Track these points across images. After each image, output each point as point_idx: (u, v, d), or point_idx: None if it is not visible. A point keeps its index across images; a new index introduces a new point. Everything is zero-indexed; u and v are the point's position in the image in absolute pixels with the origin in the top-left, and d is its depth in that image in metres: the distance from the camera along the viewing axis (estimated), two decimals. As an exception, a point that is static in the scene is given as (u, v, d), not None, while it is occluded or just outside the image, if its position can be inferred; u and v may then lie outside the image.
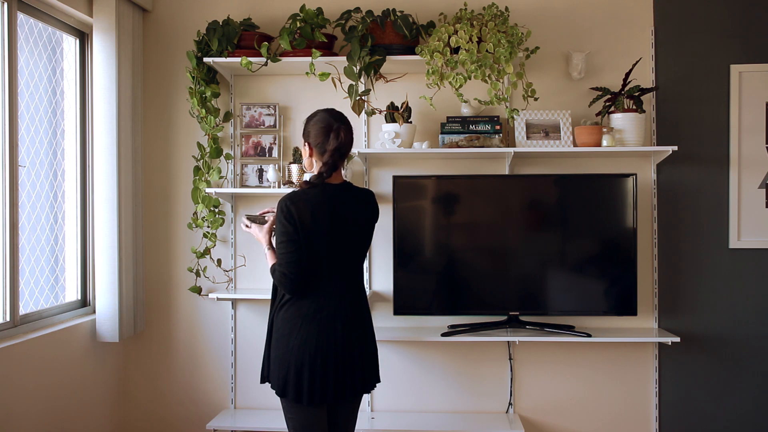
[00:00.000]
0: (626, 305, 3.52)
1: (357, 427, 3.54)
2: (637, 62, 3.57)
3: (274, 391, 2.60)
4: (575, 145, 3.57)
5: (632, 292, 3.51)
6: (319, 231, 2.54)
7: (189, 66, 3.69)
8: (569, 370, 3.74)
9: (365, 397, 3.77)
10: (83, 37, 3.65)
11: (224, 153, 3.79)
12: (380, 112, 3.59)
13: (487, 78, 3.36)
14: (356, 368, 2.61)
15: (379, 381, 2.76)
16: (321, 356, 2.53)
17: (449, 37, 3.37)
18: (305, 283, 2.55)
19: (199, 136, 3.80)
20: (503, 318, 3.60)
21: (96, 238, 3.51)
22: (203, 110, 3.68)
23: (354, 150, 3.52)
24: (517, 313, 3.57)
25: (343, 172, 2.75)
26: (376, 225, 2.76)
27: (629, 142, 3.52)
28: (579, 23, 3.72)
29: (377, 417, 3.70)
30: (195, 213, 3.77)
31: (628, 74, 3.51)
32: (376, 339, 3.68)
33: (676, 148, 3.45)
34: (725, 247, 3.67)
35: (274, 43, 3.65)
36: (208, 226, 3.76)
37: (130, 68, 3.60)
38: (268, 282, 3.81)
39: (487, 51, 3.34)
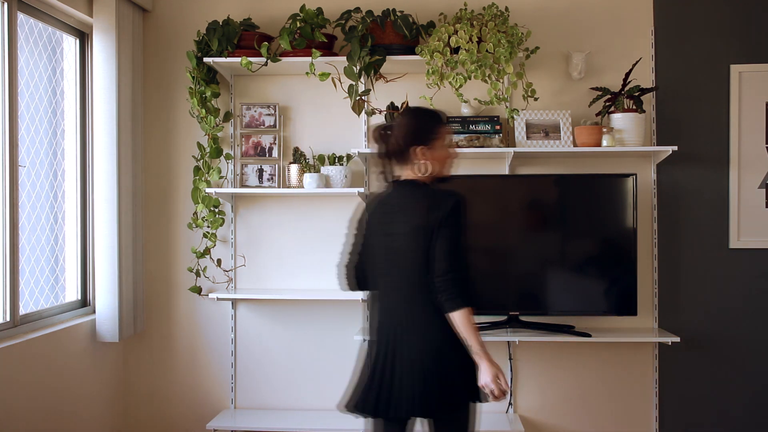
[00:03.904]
0: (626, 305, 3.52)
1: (357, 427, 3.54)
2: (637, 62, 3.57)
3: None
4: (575, 145, 3.57)
5: (632, 292, 3.50)
6: (366, 231, 2.61)
7: (189, 66, 3.69)
8: (569, 370, 3.74)
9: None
10: (83, 37, 3.65)
11: (224, 153, 3.79)
12: (380, 112, 3.59)
13: (487, 78, 3.36)
14: (394, 388, 2.45)
15: (436, 411, 2.45)
16: (363, 370, 2.56)
17: (449, 37, 3.37)
18: (351, 279, 2.66)
19: (199, 136, 3.80)
20: (503, 318, 3.60)
21: (96, 238, 3.51)
22: (203, 110, 3.68)
23: (354, 150, 3.54)
24: (517, 313, 3.57)
25: (409, 171, 2.55)
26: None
27: (629, 142, 3.52)
28: (579, 23, 3.72)
29: (377, 417, 3.70)
30: (195, 213, 3.77)
31: (628, 74, 3.51)
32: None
33: (676, 148, 3.45)
34: (725, 247, 3.67)
35: (274, 43, 3.65)
36: (208, 226, 3.76)
37: (130, 68, 3.60)
38: (267, 282, 3.82)
39: (487, 51, 3.34)
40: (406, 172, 2.55)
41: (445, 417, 2.47)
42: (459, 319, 2.38)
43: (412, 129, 2.54)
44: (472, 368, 2.44)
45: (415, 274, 2.46)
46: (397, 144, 2.53)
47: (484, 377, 2.39)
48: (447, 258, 2.39)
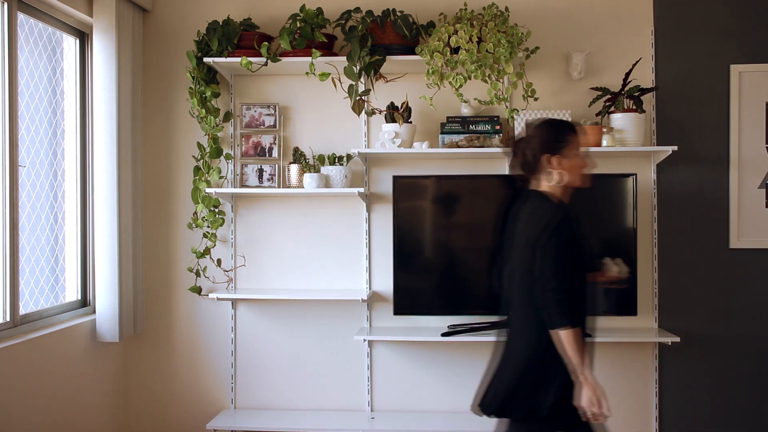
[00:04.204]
0: (626, 305, 3.52)
1: (357, 427, 3.56)
2: (637, 62, 3.57)
3: None
4: (575, 145, 3.57)
5: (632, 292, 3.51)
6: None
7: (189, 66, 3.69)
8: (569, 370, 3.73)
9: (365, 397, 3.78)
10: (83, 37, 3.65)
11: (224, 153, 3.79)
12: (380, 112, 3.59)
13: (487, 78, 3.36)
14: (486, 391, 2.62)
15: (495, 412, 2.58)
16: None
17: (449, 37, 3.37)
18: (495, 285, 2.69)
19: (199, 136, 3.80)
20: (503, 318, 3.59)
21: (96, 238, 3.51)
22: (203, 110, 3.68)
23: (354, 150, 3.54)
24: (517, 313, 3.56)
25: (539, 181, 2.62)
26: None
27: (629, 142, 3.52)
28: (579, 23, 3.72)
29: (377, 417, 3.70)
30: (195, 213, 3.77)
31: (628, 74, 3.50)
32: (380, 340, 3.71)
33: (676, 148, 3.45)
34: (725, 247, 3.67)
35: (274, 43, 3.65)
36: (208, 226, 3.76)
37: (130, 68, 3.60)
38: (267, 282, 3.81)
39: (487, 51, 3.34)
40: (539, 183, 2.59)
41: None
42: (559, 337, 2.41)
43: (542, 139, 2.57)
44: (564, 387, 2.46)
45: (520, 284, 2.53)
46: (529, 155, 2.58)
47: (583, 399, 2.41)
48: (547, 274, 2.40)
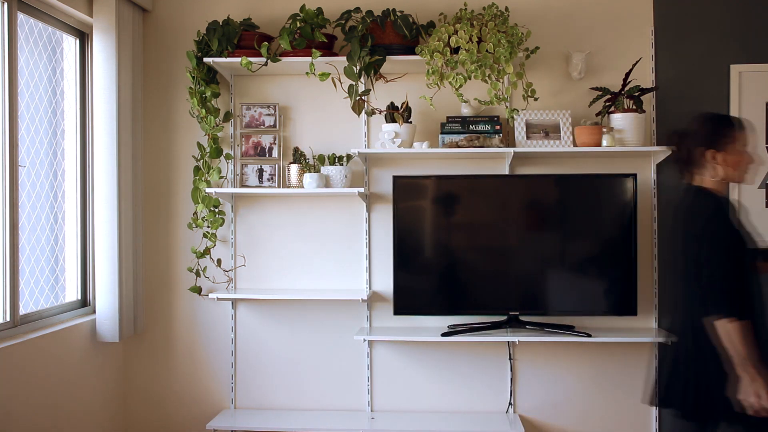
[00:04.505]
0: (626, 305, 3.52)
1: (357, 427, 3.56)
2: (637, 62, 3.57)
3: None
4: (575, 145, 3.57)
5: (632, 292, 3.51)
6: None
7: (189, 66, 3.69)
8: (569, 370, 3.74)
9: (365, 397, 3.78)
10: (83, 37, 3.65)
11: (224, 153, 3.79)
12: (380, 112, 3.59)
13: (487, 78, 3.37)
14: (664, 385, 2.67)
15: (666, 403, 2.68)
16: None
17: (449, 37, 3.37)
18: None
19: (199, 136, 3.80)
20: (503, 318, 3.60)
21: (96, 238, 3.51)
22: (203, 110, 3.68)
23: (354, 150, 3.54)
24: (517, 313, 3.57)
25: (699, 176, 2.65)
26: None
27: (629, 142, 3.52)
28: (579, 23, 3.72)
29: (377, 417, 3.70)
30: (195, 213, 3.77)
31: (628, 74, 3.51)
32: (380, 340, 3.71)
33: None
34: (725, 247, 3.67)
35: (274, 43, 3.65)
36: (208, 226, 3.76)
37: (130, 68, 3.60)
38: (267, 282, 3.81)
39: (487, 51, 3.34)
40: (699, 178, 2.62)
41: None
42: (718, 328, 2.42)
43: (703, 133, 2.59)
44: (719, 381, 2.45)
45: (683, 278, 2.59)
46: (689, 149, 2.61)
47: (744, 392, 2.39)
48: (707, 266, 2.44)
